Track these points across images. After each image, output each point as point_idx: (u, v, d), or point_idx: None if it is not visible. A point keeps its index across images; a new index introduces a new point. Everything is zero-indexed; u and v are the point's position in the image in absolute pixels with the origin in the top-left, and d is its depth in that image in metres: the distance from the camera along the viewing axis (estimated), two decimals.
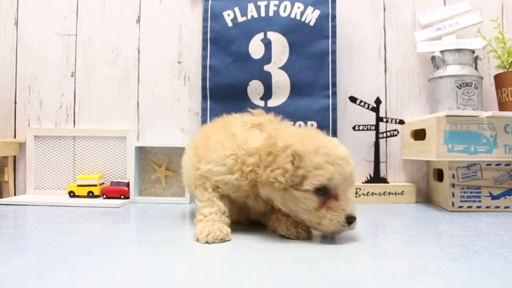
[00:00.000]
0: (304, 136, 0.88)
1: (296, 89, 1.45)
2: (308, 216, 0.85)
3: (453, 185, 1.28)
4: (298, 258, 0.73)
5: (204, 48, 1.50)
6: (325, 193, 0.83)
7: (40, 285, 0.58)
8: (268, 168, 0.84)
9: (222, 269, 0.68)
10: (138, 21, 1.57)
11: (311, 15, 1.46)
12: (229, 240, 0.86)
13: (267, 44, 1.46)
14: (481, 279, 0.61)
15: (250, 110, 1.08)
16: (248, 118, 1.02)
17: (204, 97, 1.49)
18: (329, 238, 0.90)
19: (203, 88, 1.49)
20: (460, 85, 1.36)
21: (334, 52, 1.46)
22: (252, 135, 0.93)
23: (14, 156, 1.56)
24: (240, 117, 1.05)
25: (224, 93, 1.47)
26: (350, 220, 0.83)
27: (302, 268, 0.67)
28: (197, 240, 0.85)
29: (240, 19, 1.47)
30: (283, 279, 0.61)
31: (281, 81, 1.45)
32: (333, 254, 0.77)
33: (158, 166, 1.50)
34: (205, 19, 1.50)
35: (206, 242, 0.84)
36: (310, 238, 0.89)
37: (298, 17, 1.46)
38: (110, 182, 1.47)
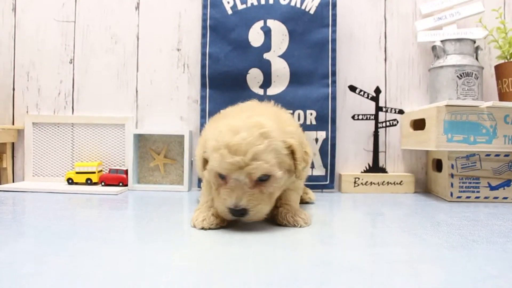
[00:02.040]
0: (232, 117, 0.89)
1: (296, 78, 1.44)
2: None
3: (452, 176, 1.28)
4: (295, 244, 0.74)
5: (204, 36, 1.48)
6: (223, 178, 0.83)
7: (38, 270, 0.58)
8: None
9: (219, 254, 0.68)
10: (137, 8, 1.55)
11: (311, 3, 1.44)
12: (225, 226, 0.87)
13: (267, 32, 1.45)
14: (479, 268, 0.61)
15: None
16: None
17: (203, 85, 1.48)
18: (327, 225, 0.90)
19: (202, 76, 1.48)
20: (461, 75, 1.35)
21: (334, 40, 1.45)
22: None
23: (13, 143, 1.55)
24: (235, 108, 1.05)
25: (224, 81, 1.46)
26: (233, 212, 0.81)
27: (299, 253, 0.68)
28: (194, 226, 0.86)
29: (240, 6, 1.46)
30: (279, 264, 0.61)
31: (280, 69, 1.45)
32: (330, 241, 0.77)
33: (156, 153, 1.50)
34: (204, 6, 1.48)
35: (202, 228, 0.84)
36: (308, 225, 0.89)
37: (298, 5, 1.44)
38: (108, 170, 1.47)
